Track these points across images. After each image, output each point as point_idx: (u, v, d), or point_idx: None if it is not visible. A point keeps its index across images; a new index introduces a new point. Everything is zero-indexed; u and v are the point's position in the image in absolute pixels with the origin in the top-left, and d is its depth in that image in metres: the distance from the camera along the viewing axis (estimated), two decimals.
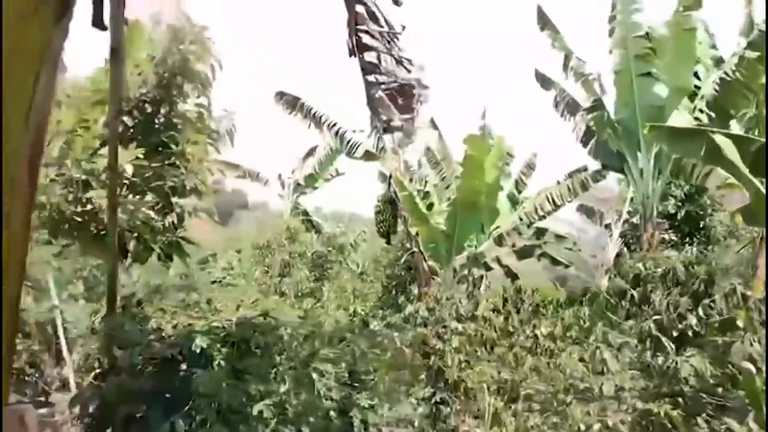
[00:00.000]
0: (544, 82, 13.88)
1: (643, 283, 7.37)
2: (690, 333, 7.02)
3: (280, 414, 5.30)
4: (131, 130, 7.50)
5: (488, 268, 14.65)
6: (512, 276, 18.36)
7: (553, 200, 16.99)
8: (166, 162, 7.30)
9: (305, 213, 24.75)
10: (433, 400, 11.26)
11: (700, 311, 7.10)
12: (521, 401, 9.09)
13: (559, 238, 19.03)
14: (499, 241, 15.46)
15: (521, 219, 16.78)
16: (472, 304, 10.80)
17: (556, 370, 8.52)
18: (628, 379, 6.77)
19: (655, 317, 6.96)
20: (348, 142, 15.57)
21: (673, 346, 6.85)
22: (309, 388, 5.76)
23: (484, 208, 16.83)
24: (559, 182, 17.23)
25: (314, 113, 15.98)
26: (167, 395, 5.22)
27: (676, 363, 6.68)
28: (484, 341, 9.83)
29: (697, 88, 12.03)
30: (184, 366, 5.36)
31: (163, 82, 7.70)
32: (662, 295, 7.16)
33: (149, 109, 7.60)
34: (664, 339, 6.81)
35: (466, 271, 14.02)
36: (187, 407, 5.05)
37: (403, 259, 15.99)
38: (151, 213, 6.93)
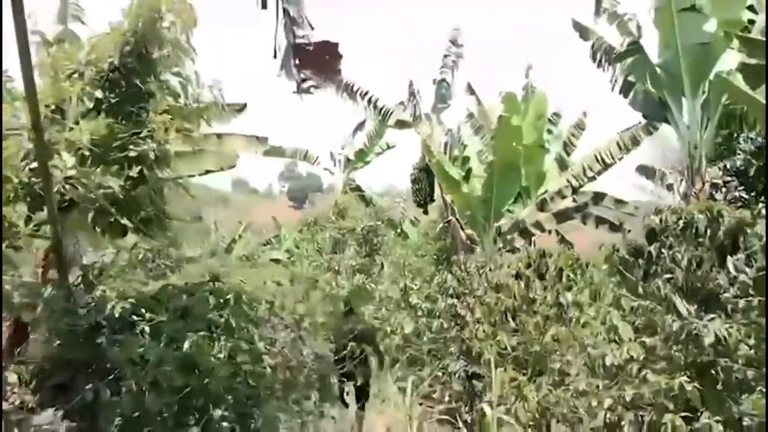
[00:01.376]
0: (582, 31, 12.58)
1: (660, 237, 6.30)
2: (718, 293, 5.94)
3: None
4: (104, 102, 7.08)
5: (529, 234, 13.59)
6: (566, 243, 17.18)
7: (602, 159, 15.64)
8: (133, 131, 6.80)
9: (358, 188, 24.20)
10: (461, 374, 10.50)
11: (731, 267, 6.00)
12: (538, 374, 8.20)
13: (619, 202, 17.68)
14: (542, 206, 14.34)
15: (568, 181, 15.56)
16: (498, 272, 9.92)
17: (576, 341, 7.57)
18: (639, 348, 5.77)
19: (668, 275, 5.91)
20: (380, 110, 14.82)
21: (693, 309, 5.79)
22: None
23: (526, 172, 15.71)
24: (608, 140, 15.88)
25: (346, 83, 15.33)
26: (92, 363, 4.78)
27: (697, 329, 5.63)
28: (504, 310, 8.94)
29: (751, 22, 10.48)
30: (107, 333, 4.89)
31: (135, 50, 7.20)
32: (683, 250, 6.08)
33: (120, 79, 7.12)
34: (680, 301, 5.76)
35: (507, 239, 13.08)
36: (113, 375, 4.62)
37: (438, 228, 15.15)
38: (114, 185, 6.45)
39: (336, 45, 5.30)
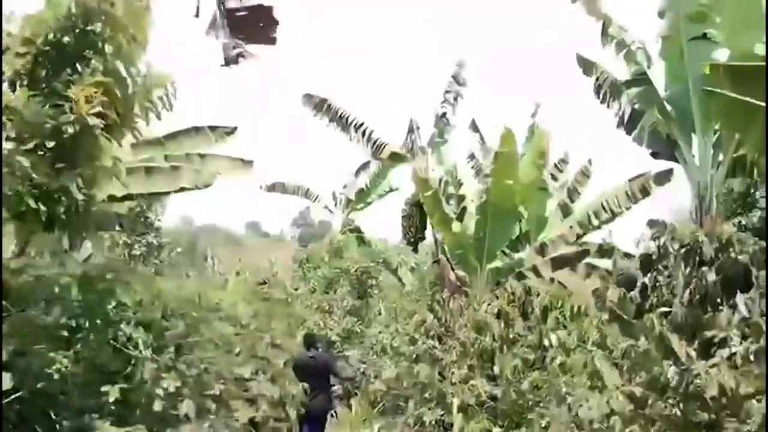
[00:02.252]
0: (586, 66, 11.75)
1: (657, 265, 5.22)
2: (724, 336, 4.80)
3: None
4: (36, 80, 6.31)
5: (522, 278, 12.43)
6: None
7: (609, 208, 14.58)
8: (54, 103, 5.94)
9: (357, 230, 23.22)
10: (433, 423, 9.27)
11: (741, 307, 4.88)
12: (514, 427, 7.01)
13: (628, 255, 16.43)
14: (542, 250, 13.22)
15: (571, 228, 14.48)
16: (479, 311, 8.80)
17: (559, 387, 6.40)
18: (623, 398, 4.60)
19: (664, 309, 4.80)
20: (374, 142, 13.96)
21: (693, 353, 4.65)
22: None
23: (527, 216, 14.65)
24: (616, 188, 14.84)
25: (340, 114, 14.54)
26: None
27: (698, 376, 4.49)
28: (481, 352, 7.79)
29: None
30: None
31: (74, 26, 6.44)
32: (683, 282, 4.99)
33: (56, 54, 6.34)
34: (678, 341, 4.63)
35: (501, 282, 11.97)
36: None
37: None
38: (24, 162, 5.54)
39: (271, 9, 4.43)
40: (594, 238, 15.68)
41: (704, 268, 4.88)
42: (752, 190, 14.48)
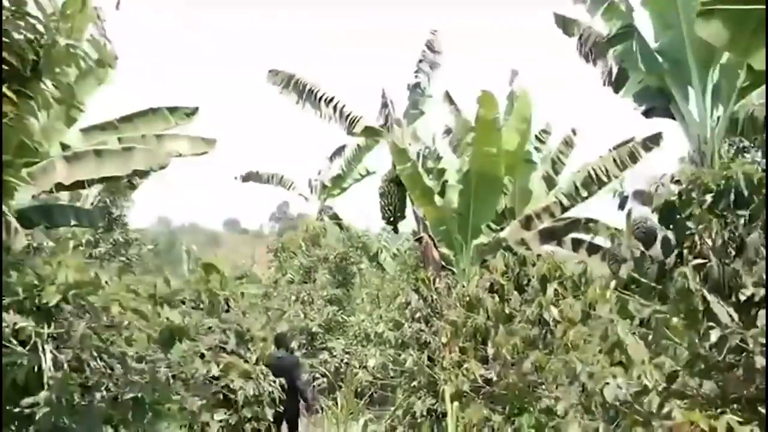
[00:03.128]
0: (566, 25, 10.89)
1: (680, 213, 4.35)
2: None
3: None
4: None
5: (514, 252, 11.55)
6: None
7: (596, 177, 13.77)
8: None
9: (335, 216, 22.24)
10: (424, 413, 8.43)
11: None
12: (516, 413, 6.15)
13: (616, 231, 15.60)
14: (527, 223, 12.37)
15: (557, 198, 13.65)
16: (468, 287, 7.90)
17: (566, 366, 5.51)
18: (656, 372, 3.75)
19: (697, 261, 3.94)
20: (347, 117, 12.97)
21: (735, 315, 3.80)
22: None
23: (511, 190, 13.80)
24: (601, 156, 14.04)
25: (309, 89, 13.52)
26: None
27: (744, 340, 3.65)
28: (474, 332, 6.90)
29: None
30: None
31: None
32: (715, 231, 4.13)
33: None
34: (718, 301, 3.78)
35: (485, 259, 11.10)
36: None
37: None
38: None
39: None
40: (580, 211, 14.91)
41: (741, 212, 4.01)
42: (753, 146, 13.74)
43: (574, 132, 16.13)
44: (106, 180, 10.30)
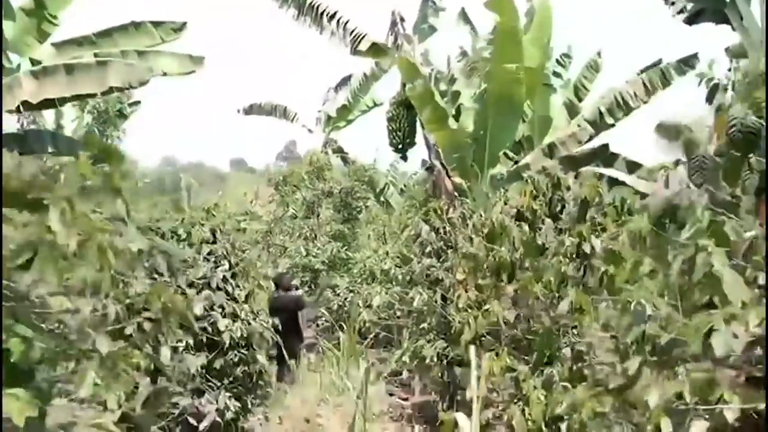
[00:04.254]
0: None
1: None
2: None
3: None
4: None
5: None
6: None
7: (623, 102, 12.39)
8: None
9: (340, 150, 20.91)
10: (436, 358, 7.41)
11: None
12: (546, 363, 5.04)
13: (634, 165, 14.31)
14: (550, 151, 11.09)
15: (579, 126, 12.32)
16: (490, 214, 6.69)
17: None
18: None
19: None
20: (351, 33, 11.53)
21: None
22: None
23: (529, 117, 12.45)
24: (628, 81, 12.62)
25: (310, 3, 12.01)
26: None
27: None
28: (498, 267, 5.73)
29: None
30: None
31: None
32: None
33: None
34: None
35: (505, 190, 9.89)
36: None
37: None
38: None
39: None
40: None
41: None
42: None
43: (599, 55, 14.63)
44: (80, 98, 9.02)
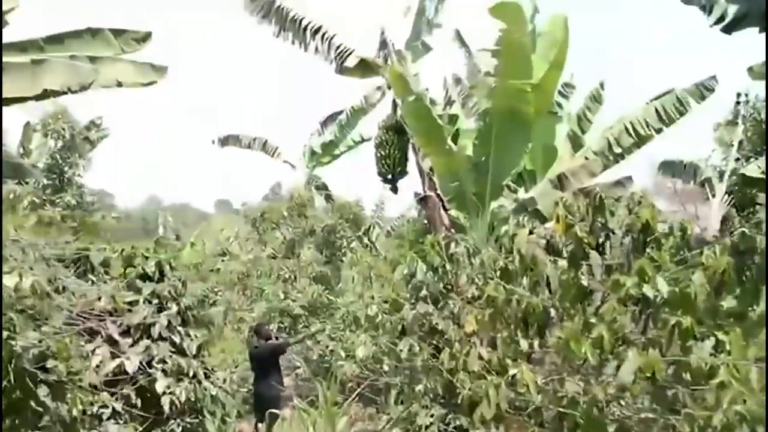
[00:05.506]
0: None
1: None
2: None
3: None
4: None
5: (543, 220, 8.88)
6: None
7: (634, 131, 11.11)
8: None
9: (324, 187, 19.43)
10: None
11: None
12: None
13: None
14: (560, 183, 9.68)
15: (587, 158, 10.99)
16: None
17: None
18: None
19: None
20: (337, 49, 10.21)
21: None
22: None
23: (531, 147, 11.06)
24: (642, 107, 11.37)
25: (293, 18, 10.71)
26: None
27: None
28: (524, 314, 4.19)
29: None
30: None
31: None
32: None
33: None
34: None
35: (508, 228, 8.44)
36: None
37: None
38: None
39: None
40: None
41: None
42: None
43: (602, 86, 13.44)
44: (9, 102, 7.48)
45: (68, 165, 15.00)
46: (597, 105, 13.19)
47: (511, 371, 3.83)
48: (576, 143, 12.38)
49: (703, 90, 10.66)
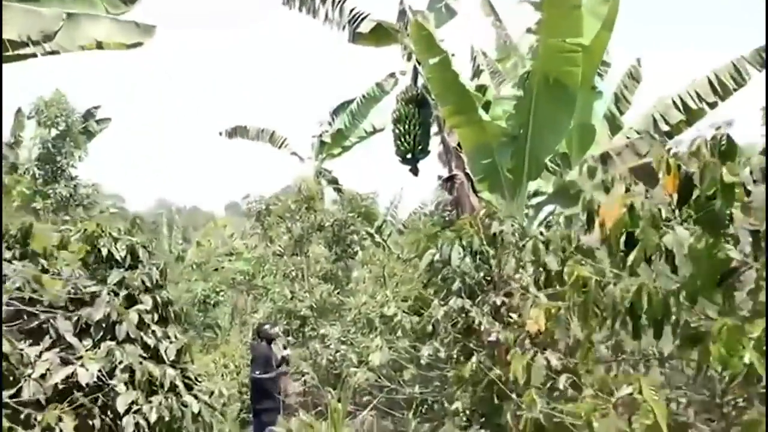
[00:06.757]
0: None
1: None
2: None
3: None
4: None
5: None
6: None
7: (684, 106, 9.74)
8: None
9: (334, 181, 18.13)
10: None
11: None
12: None
13: None
14: (603, 163, 8.32)
15: (628, 138, 9.66)
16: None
17: None
18: None
19: None
20: (350, 14, 8.92)
21: None
22: None
23: (579, 102, 9.65)
24: (694, 80, 9.99)
25: None
26: None
27: None
28: (615, 313, 2.80)
29: None
30: None
31: None
32: None
33: None
34: None
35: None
36: None
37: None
38: None
39: None
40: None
41: None
42: None
43: (639, 62, 12.08)
44: None
45: (62, 155, 13.79)
46: (635, 83, 11.84)
47: (622, 391, 2.46)
48: (614, 125, 11.03)
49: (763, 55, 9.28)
